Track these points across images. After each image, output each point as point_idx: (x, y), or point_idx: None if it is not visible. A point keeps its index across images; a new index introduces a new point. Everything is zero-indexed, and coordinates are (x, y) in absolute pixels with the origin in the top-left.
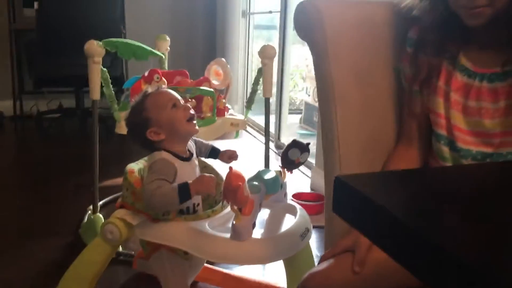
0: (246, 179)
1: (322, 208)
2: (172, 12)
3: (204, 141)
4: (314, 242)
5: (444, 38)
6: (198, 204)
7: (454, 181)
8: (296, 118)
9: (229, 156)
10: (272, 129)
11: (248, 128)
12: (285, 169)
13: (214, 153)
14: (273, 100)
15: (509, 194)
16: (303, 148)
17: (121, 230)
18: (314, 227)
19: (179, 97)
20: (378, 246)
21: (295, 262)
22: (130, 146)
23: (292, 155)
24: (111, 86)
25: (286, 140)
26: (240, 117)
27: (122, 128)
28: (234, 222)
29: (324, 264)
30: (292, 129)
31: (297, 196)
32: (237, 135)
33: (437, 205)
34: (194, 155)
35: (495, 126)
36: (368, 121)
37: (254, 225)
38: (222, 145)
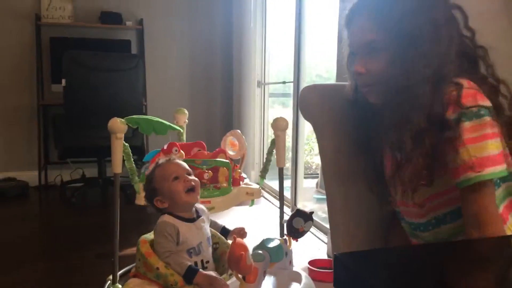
0: (251, 248)
1: None
2: (191, 85)
3: (217, 222)
4: None
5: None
6: (208, 261)
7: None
8: (312, 183)
9: (239, 233)
10: (288, 194)
11: (265, 194)
12: (291, 237)
13: (225, 232)
14: (289, 165)
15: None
16: (307, 217)
17: None
18: None
19: (186, 168)
20: None
21: None
22: (149, 214)
23: (296, 224)
24: (132, 159)
25: (302, 205)
26: (255, 186)
27: (141, 200)
28: None
29: None
30: (308, 193)
31: (313, 263)
32: (252, 203)
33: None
34: (203, 217)
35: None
36: (357, 191)
37: None
38: (238, 211)
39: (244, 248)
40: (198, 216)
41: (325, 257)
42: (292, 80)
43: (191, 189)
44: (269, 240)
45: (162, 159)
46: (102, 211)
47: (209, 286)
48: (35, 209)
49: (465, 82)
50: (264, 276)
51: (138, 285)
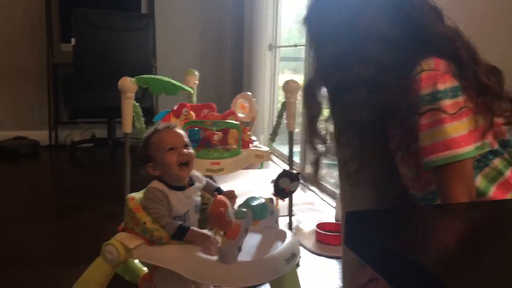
0: (236, 206)
1: None
2: (201, 46)
3: (212, 183)
4: (337, 273)
5: None
6: None
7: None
8: (322, 148)
9: (227, 196)
10: (297, 159)
11: (274, 158)
12: (277, 197)
13: (219, 192)
14: (298, 130)
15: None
16: (293, 178)
17: (120, 251)
18: (336, 257)
19: (184, 139)
20: (385, 279)
21: (281, 286)
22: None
23: (283, 184)
24: (142, 119)
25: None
26: (265, 148)
27: None
28: (219, 246)
29: None
30: None
31: (321, 226)
32: (261, 166)
33: (437, 240)
34: (196, 185)
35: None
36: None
37: (240, 249)
38: (248, 175)
39: (224, 204)
40: (191, 184)
41: (333, 221)
42: (304, 44)
43: (184, 163)
44: (253, 198)
45: (161, 125)
46: (111, 172)
47: (202, 243)
48: (46, 168)
49: (431, 63)
50: (246, 234)
51: (126, 238)
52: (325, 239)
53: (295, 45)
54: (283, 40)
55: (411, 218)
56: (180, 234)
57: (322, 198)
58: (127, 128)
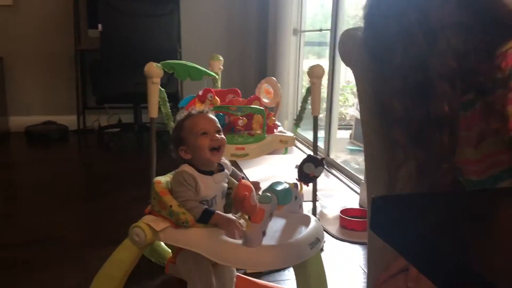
0: (261, 191)
1: None
2: (226, 32)
3: (238, 172)
4: (361, 258)
5: None
6: None
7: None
8: (346, 134)
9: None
10: (321, 144)
11: (298, 144)
12: (302, 182)
13: None
14: (322, 115)
15: None
16: (318, 163)
17: (147, 233)
18: (360, 243)
19: (217, 125)
20: (412, 264)
21: (305, 270)
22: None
23: (307, 169)
24: (167, 104)
25: (335, 156)
26: (289, 134)
27: None
28: (244, 229)
29: None
30: (341, 144)
31: (345, 212)
32: (285, 151)
33: (469, 227)
34: (226, 171)
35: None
36: None
37: (264, 233)
38: (272, 160)
39: (249, 188)
40: (220, 170)
41: (357, 206)
42: (329, 28)
43: (216, 148)
44: (278, 183)
45: (195, 110)
46: (137, 156)
47: (226, 227)
48: (75, 153)
49: None
50: (271, 218)
51: (153, 220)
52: (349, 225)
53: (320, 30)
54: (308, 25)
55: (444, 204)
56: (206, 218)
57: (346, 184)
58: (153, 113)
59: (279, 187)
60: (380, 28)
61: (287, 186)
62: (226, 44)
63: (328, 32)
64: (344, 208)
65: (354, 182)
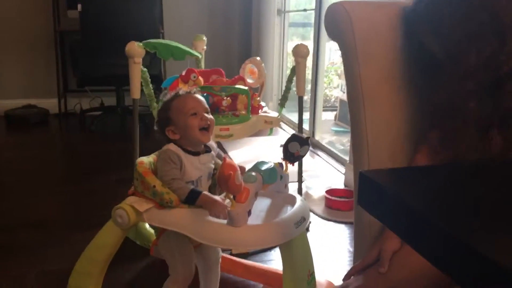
0: (246, 170)
1: None
2: (209, 12)
3: (220, 152)
4: (347, 238)
5: None
6: None
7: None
8: (331, 115)
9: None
10: (306, 126)
11: (282, 125)
12: (287, 162)
13: None
14: (307, 97)
15: None
16: (303, 142)
17: (130, 215)
18: (345, 223)
19: (205, 106)
20: (399, 236)
21: (291, 250)
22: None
23: (292, 148)
24: (150, 85)
25: (320, 137)
26: (274, 114)
27: None
28: (229, 209)
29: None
30: (326, 126)
31: (330, 192)
32: (270, 132)
33: (458, 200)
34: (212, 152)
35: None
36: (397, 120)
37: (249, 213)
38: (257, 141)
39: (233, 167)
40: (206, 152)
41: (342, 187)
42: (313, 8)
43: (205, 128)
44: (263, 162)
45: (182, 90)
46: (120, 138)
47: (212, 207)
48: (56, 136)
49: None
50: (256, 197)
51: (136, 201)
52: (335, 205)
53: (305, 10)
54: (292, 6)
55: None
56: (192, 199)
57: (331, 165)
58: (136, 94)
59: (264, 166)
60: (447, 30)
61: (272, 165)
62: (210, 24)
63: (313, 13)
64: (330, 188)
65: (339, 162)
